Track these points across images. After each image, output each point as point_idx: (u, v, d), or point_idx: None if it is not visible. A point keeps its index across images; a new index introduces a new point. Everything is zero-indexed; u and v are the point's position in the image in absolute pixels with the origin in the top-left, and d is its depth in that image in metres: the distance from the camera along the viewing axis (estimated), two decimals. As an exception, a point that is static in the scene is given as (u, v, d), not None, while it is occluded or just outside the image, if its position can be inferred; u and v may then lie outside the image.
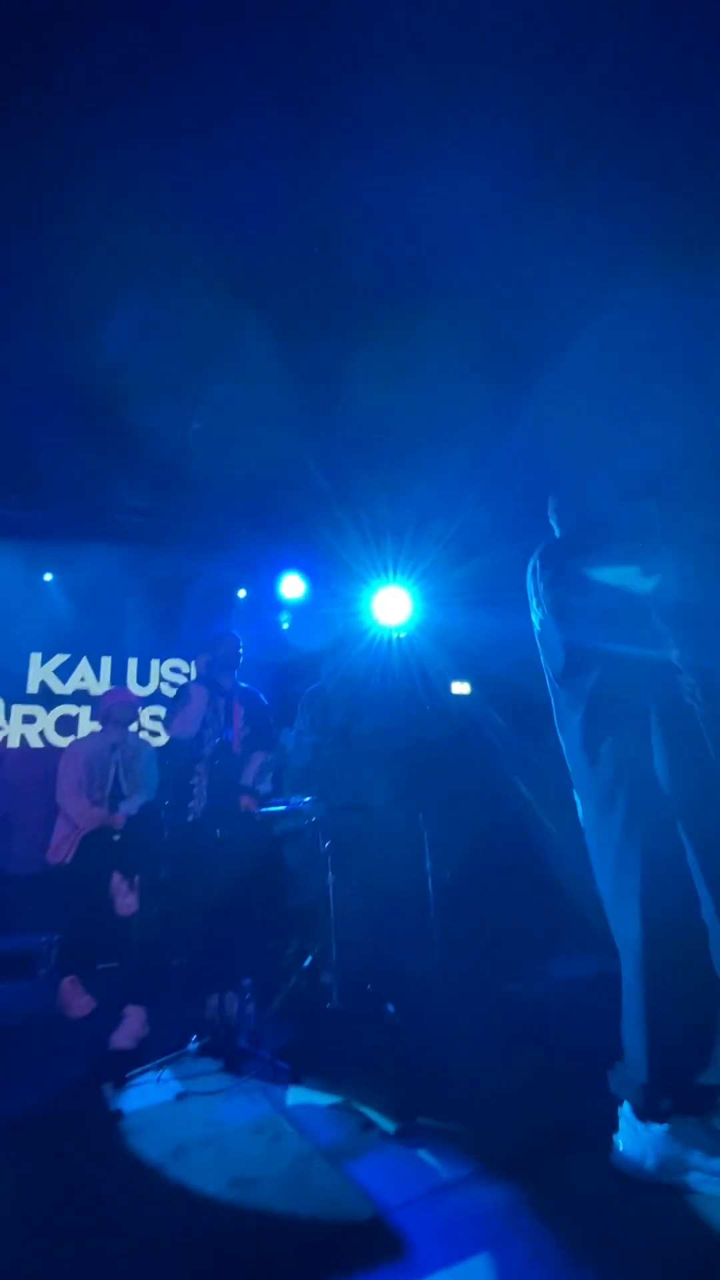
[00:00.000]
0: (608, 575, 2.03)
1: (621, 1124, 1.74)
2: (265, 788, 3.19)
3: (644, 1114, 1.68)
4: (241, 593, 5.42)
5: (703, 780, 1.77)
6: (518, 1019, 2.85)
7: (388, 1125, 2.01)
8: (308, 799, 3.33)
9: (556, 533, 2.28)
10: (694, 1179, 1.60)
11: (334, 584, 4.87)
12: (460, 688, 5.54)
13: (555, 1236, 1.50)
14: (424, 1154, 1.86)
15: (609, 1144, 1.74)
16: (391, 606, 4.69)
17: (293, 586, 5.15)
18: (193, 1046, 2.52)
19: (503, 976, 3.22)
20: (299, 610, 5.22)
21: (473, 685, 5.46)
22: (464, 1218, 1.59)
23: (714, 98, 2.28)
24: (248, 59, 2.18)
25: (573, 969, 3.46)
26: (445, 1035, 2.64)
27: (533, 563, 2.17)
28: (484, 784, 4.52)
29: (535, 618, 2.18)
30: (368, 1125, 2.03)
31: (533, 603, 2.18)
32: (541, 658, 2.17)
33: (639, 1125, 1.69)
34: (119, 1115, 2.15)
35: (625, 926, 1.82)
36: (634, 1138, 1.69)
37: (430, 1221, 1.58)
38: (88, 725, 4.90)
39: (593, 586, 2.04)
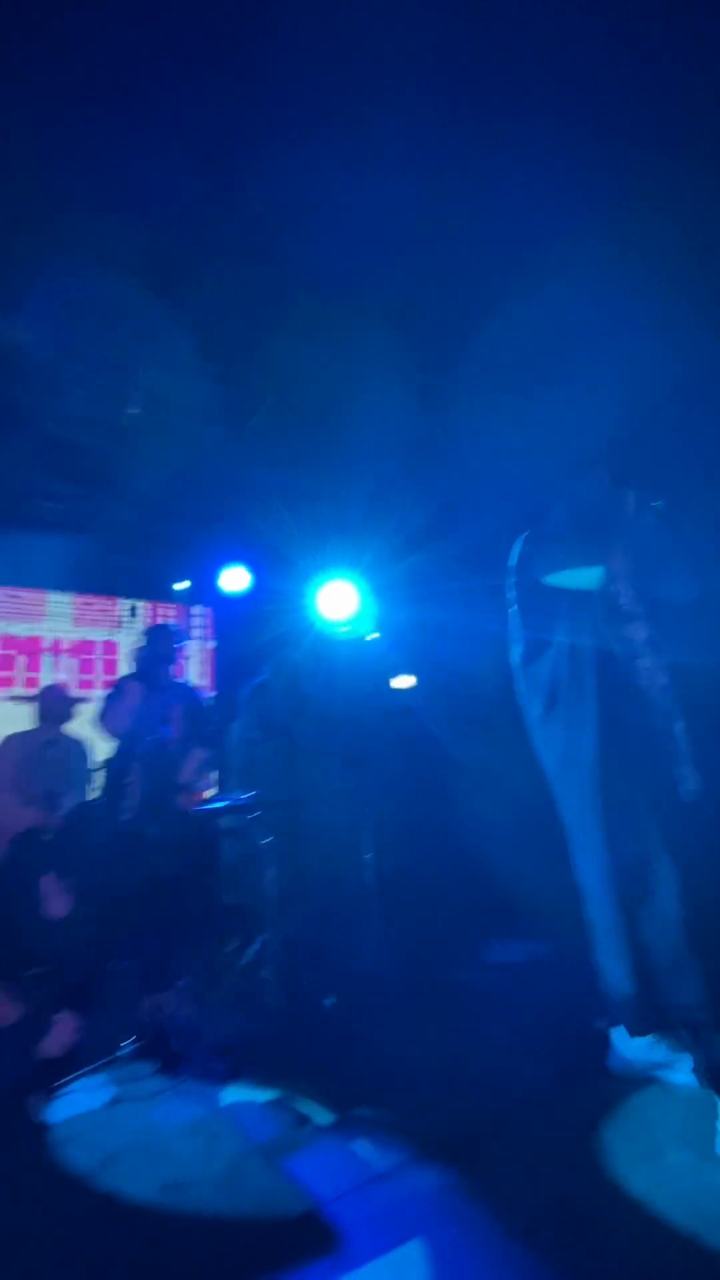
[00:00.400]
0: (570, 567, 2.12)
1: (615, 1042, 2.05)
2: (203, 785, 3.13)
3: (634, 1030, 1.96)
4: (181, 585, 5.29)
5: (639, 759, 1.94)
6: (454, 1007, 2.92)
7: (324, 1119, 2.02)
8: (248, 795, 3.30)
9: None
10: (669, 1074, 1.93)
11: (277, 579, 4.82)
12: (403, 681, 5.59)
13: (486, 1218, 1.54)
14: (360, 1145, 1.88)
15: (542, 1123, 1.87)
16: (336, 601, 4.68)
17: (235, 579, 5.07)
18: (126, 1051, 2.46)
19: (440, 965, 3.28)
20: (242, 604, 5.14)
21: (418, 678, 5.52)
22: (397, 1206, 1.61)
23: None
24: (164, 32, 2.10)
25: (508, 954, 3.57)
26: (383, 1026, 2.67)
27: (512, 551, 2.26)
28: (425, 777, 4.59)
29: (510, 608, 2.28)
30: (303, 1120, 2.03)
31: (508, 593, 2.28)
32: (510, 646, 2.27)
33: (629, 1040, 1.98)
34: (46, 1127, 2.08)
35: (588, 876, 2.04)
36: (626, 1048, 1.99)
37: (364, 1212, 1.60)
38: (18, 722, 4.69)
39: (555, 577, 2.14)
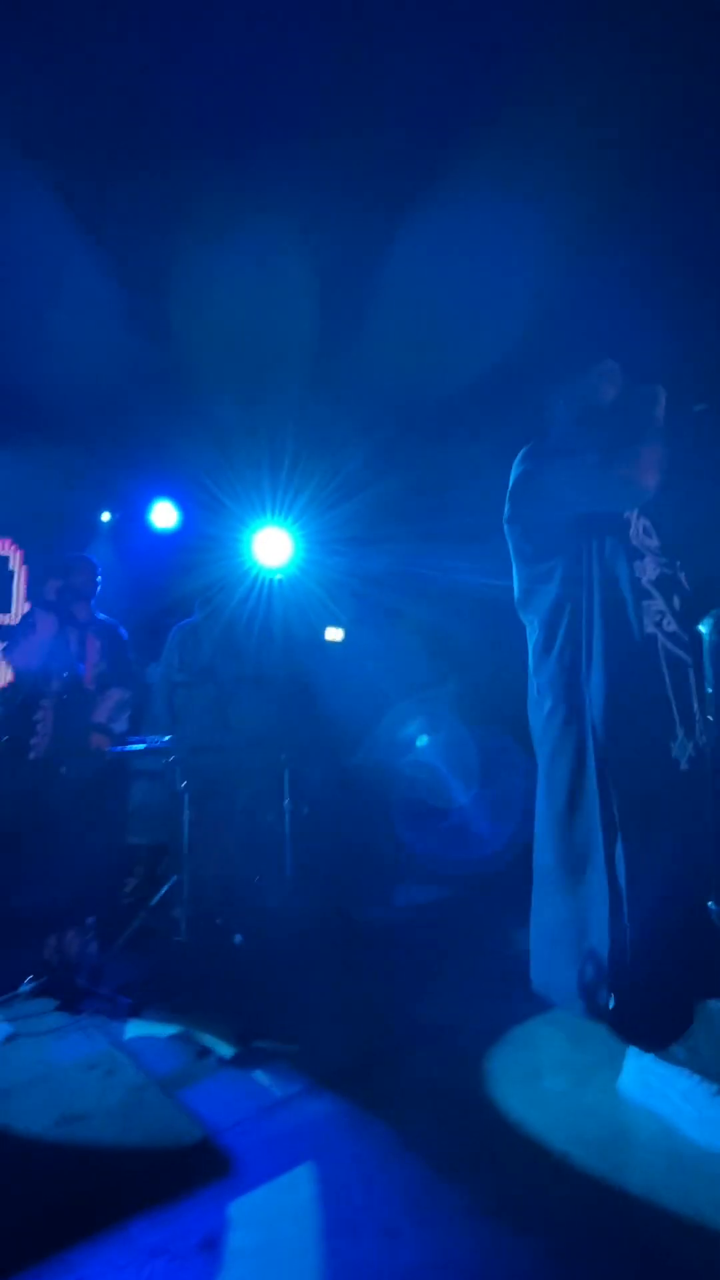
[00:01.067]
0: (578, 486, 1.75)
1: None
2: (120, 726, 3.03)
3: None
4: (105, 516, 5.00)
5: (643, 717, 1.67)
6: (359, 945, 3.03)
7: (225, 1051, 2.07)
8: (166, 738, 3.22)
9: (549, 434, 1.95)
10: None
11: (209, 523, 4.63)
12: (333, 634, 5.57)
13: (376, 1140, 1.63)
14: (259, 1075, 1.93)
15: (434, 1052, 1.95)
16: (271, 548, 4.55)
17: (164, 515, 4.83)
18: (26, 988, 2.42)
19: (349, 906, 3.38)
20: (171, 541, 4.92)
21: (347, 629, 5.51)
22: (291, 1131, 1.68)
23: None
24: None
25: (414, 897, 3.73)
26: (290, 963, 2.74)
27: (511, 471, 1.89)
28: (348, 726, 4.63)
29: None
30: (205, 1052, 2.07)
31: (505, 522, 1.91)
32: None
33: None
34: (-64, 1064, 2.03)
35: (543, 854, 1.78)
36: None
37: (258, 1138, 1.65)
38: None
39: (553, 498, 1.78)
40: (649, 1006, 1.64)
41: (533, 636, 1.88)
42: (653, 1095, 1.68)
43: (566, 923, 1.75)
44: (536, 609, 1.86)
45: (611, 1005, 1.64)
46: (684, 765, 1.71)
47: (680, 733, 1.72)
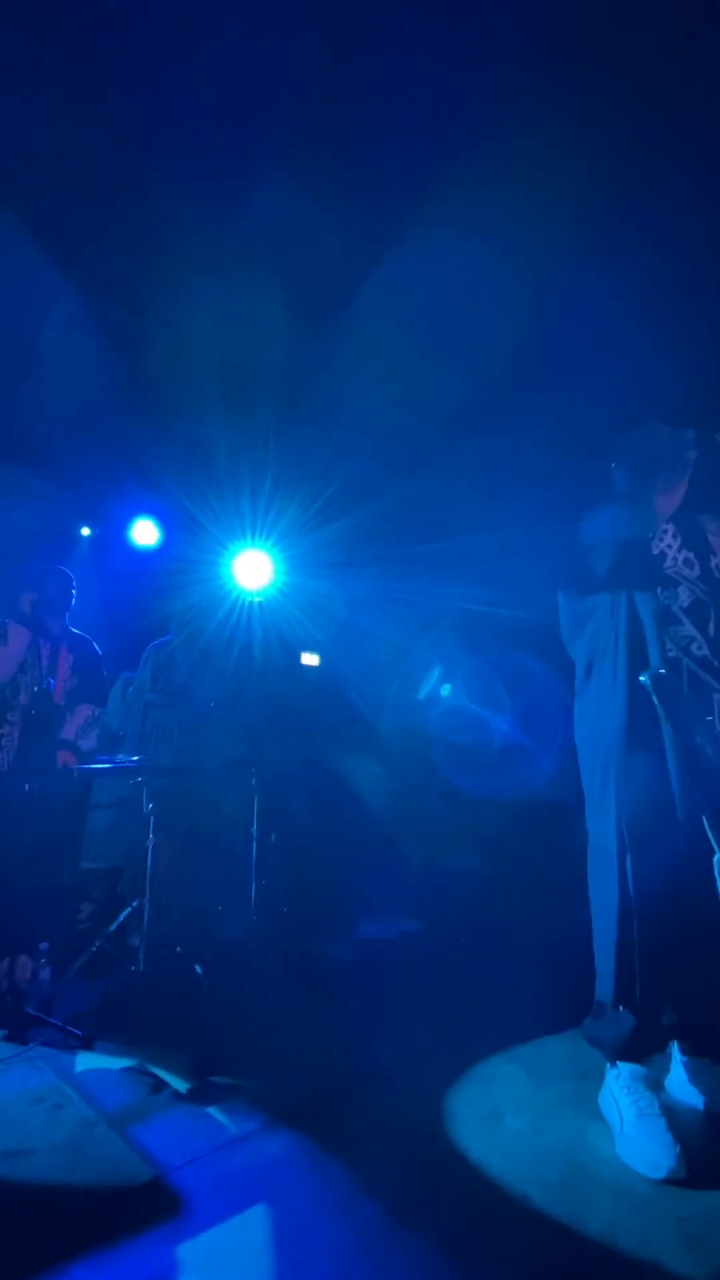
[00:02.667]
0: (622, 525, 1.91)
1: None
2: (89, 744, 2.98)
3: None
4: (85, 531, 4.98)
5: (664, 741, 1.76)
6: (321, 977, 2.97)
7: (180, 1085, 2.00)
8: (135, 759, 3.17)
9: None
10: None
11: (189, 545, 4.64)
12: (309, 659, 5.57)
13: (332, 1180, 1.58)
14: (214, 1111, 1.87)
15: (392, 1089, 1.92)
16: (251, 570, 4.57)
17: (145, 532, 4.82)
18: (-28, 1016, 2.32)
19: (312, 938, 3.33)
20: (151, 560, 4.91)
21: (324, 655, 5.51)
22: (245, 1170, 1.62)
23: None
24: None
25: (378, 931, 3.68)
26: (251, 995, 2.68)
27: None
28: (322, 754, 4.61)
29: None
30: (159, 1087, 2.00)
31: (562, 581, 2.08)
32: None
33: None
34: None
35: (600, 861, 1.86)
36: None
37: (212, 1177, 1.60)
38: None
39: (597, 539, 1.94)
40: (614, 1017, 1.76)
41: (578, 669, 2.01)
42: (609, 1114, 1.75)
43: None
44: (580, 644, 2.00)
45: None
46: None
47: (697, 751, 1.78)
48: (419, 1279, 1.30)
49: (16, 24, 2.14)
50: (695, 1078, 1.83)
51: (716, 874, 1.60)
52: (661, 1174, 1.54)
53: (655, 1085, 1.77)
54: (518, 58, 2.28)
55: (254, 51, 2.37)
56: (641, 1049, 1.77)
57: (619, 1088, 1.74)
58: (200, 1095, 1.95)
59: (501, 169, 2.60)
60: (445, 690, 4.72)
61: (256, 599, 4.71)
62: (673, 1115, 1.69)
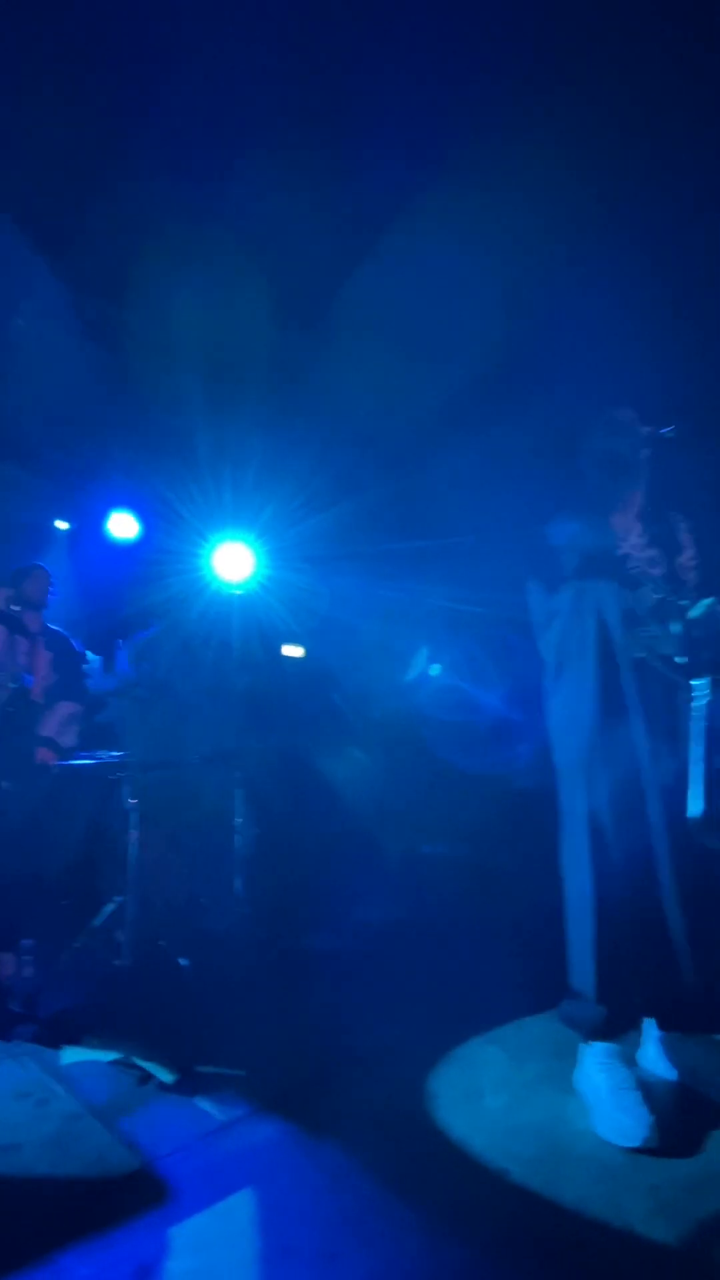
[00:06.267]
0: (589, 526, 1.94)
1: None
2: (69, 741, 2.97)
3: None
4: (62, 524, 4.91)
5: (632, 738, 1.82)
6: (307, 966, 3.01)
7: (166, 1077, 2.02)
8: (117, 754, 3.16)
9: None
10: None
11: (170, 536, 4.60)
12: (292, 650, 5.57)
13: (318, 1163, 1.62)
14: (200, 1100, 1.90)
15: (375, 1072, 1.98)
16: (232, 563, 4.54)
17: (123, 525, 4.77)
18: (-44, 1014, 2.31)
19: (299, 929, 3.36)
20: (130, 553, 4.86)
21: (308, 646, 5.51)
22: (232, 1156, 1.65)
23: None
24: None
25: (363, 919, 3.72)
26: (236, 986, 2.70)
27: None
28: (304, 746, 4.62)
29: None
30: (145, 1078, 2.02)
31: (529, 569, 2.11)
32: None
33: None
34: None
35: (572, 858, 1.90)
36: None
37: (198, 1164, 1.62)
38: None
39: (562, 544, 1.98)
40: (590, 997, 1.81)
41: (548, 667, 2.04)
42: (585, 1090, 1.79)
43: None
44: (548, 642, 2.04)
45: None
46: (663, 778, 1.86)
47: (664, 748, 1.87)
48: (403, 1255, 1.34)
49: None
50: (667, 1052, 1.90)
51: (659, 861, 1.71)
52: (635, 1143, 1.59)
53: (629, 1060, 1.84)
54: (504, 59, 2.28)
55: (243, 39, 2.34)
56: (615, 1028, 1.82)
57: (594, 1064, 1.79)
58: (186, 1086, 1.97)
59: (488, 173, 2.61)
60: (434, 670, 4.79)
61: (237, 592, 4.69)
62: (646, 1088, 1.75)
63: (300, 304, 3.28)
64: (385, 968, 3.02)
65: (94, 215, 2.88)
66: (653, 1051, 1.93)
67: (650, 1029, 1.94)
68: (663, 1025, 1.91)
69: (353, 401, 3.74)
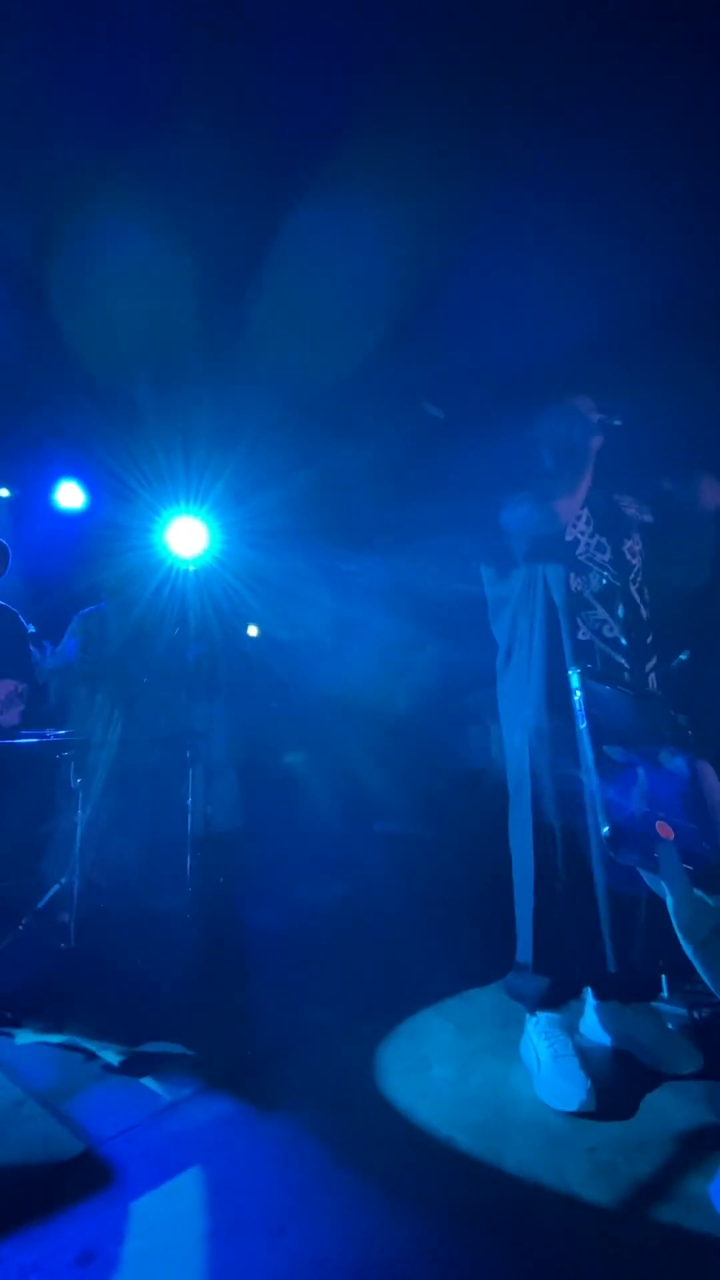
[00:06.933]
0: (538, 512, 1.94)
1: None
2: (10, 719, 2.85)
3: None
4: (3, 492, 4.67)
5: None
6: (256, 944, 3.01)
7: (113, 1058, 1.99)
8: (61, 732, 3.06)
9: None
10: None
11: (120, 508, 4.43)
12: (253, 630, 5.50)
13: (266, 1139, 1.62)
14: (148, 1081, 1.88)
15: (324, 1046, 2.01)
16: (185, 537, 4.42)
17: (70, 495, 4.57)
18: None
19: (249, 905, 3.36)
20: (78, 524, 4.66)
21: (261, 626, 5.44)
22: (179, 1136, 1.64)
23: None
24: None
25: (311, 894, 3.75)
26: (184, 966, 2.68)
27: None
28: (260, 724, 4.58)
29: None
30: (92, 1060, 1.99)
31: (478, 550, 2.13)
32: None
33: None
34: None
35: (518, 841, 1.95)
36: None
37: (145, 1145, 1.61)
38: None
39: (513, 529, 1.99)
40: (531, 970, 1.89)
41: (499, 651, 2.07)
42: (528, 1057, 1.86)
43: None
44: (500, 627, 2.07)
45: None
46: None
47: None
48: (349, 1226, 1.35)
49: None
50: (605, 1021, 1.98)
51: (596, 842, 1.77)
52: (574, 1107, 1.66)
53: (570, 1029, 1.90)
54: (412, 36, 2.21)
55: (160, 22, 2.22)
56: (557, 998, 1.90)
57: (537, 1033, 1.85)
58: (133, 1066, 1.95)
59: (416, 142, 2.53)
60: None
61: (191, 567, 4.57)
62: (585, 1055, 1.82)
63: (247, 271, 3.16)
64: (335, 944, 3.05)
65: (29, 176, 2.70)
66: (591, 1020, 2.01)
67: (589, 998, 2.01)
68: (599, 994, 1.99)
69: (304, 371, 3.65)
